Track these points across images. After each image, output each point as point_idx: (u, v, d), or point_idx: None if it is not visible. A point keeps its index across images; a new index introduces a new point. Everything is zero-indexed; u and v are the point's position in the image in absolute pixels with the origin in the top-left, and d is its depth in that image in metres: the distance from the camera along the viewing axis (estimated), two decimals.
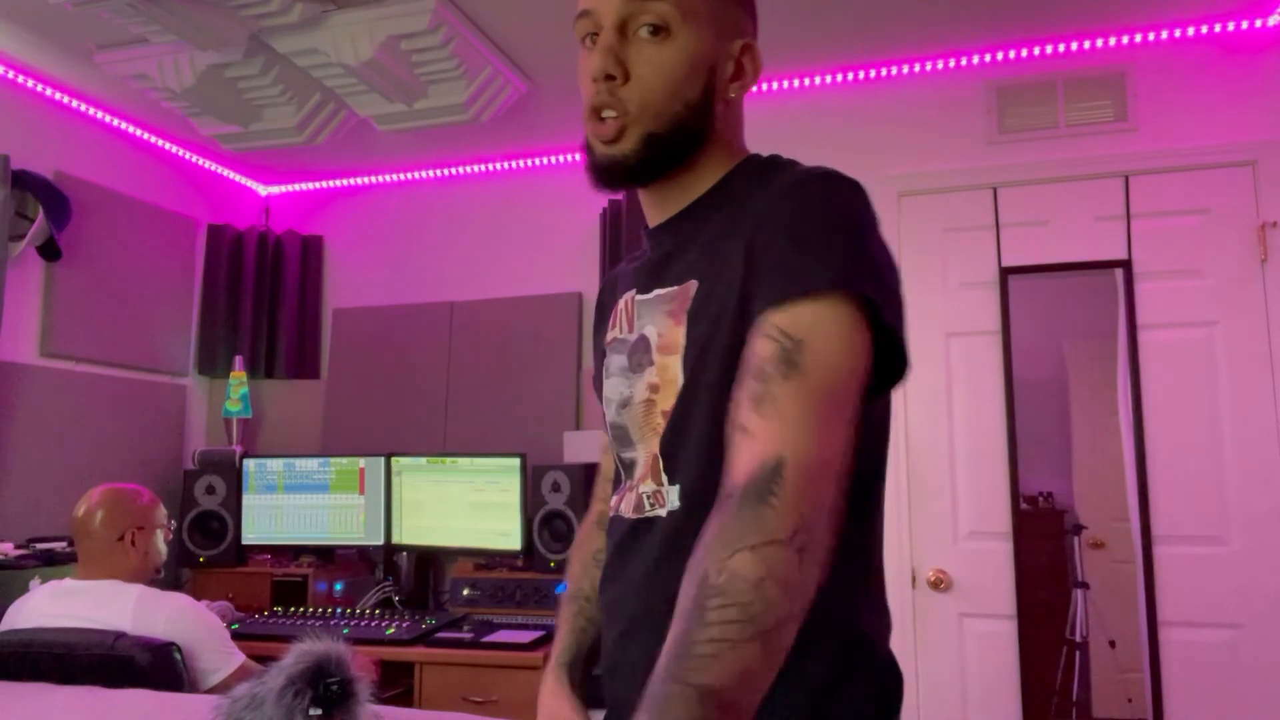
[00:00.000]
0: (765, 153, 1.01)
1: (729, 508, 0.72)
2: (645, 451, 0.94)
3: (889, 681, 0.90)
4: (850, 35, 2.72)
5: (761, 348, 0.78)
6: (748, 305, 0.83)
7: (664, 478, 0.90)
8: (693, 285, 0.91)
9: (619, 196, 3.37)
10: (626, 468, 0.98)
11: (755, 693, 0.65)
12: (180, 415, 3.54)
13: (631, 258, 1.10)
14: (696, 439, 0.87)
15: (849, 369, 0.77)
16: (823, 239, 0.81)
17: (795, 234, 0.82)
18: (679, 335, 0.90)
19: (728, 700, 0.63)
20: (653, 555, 0.90)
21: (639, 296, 0.98)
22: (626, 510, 0.96)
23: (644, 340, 0.95)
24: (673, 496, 0.89)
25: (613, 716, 0.99)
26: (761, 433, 0.74)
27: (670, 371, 0.91)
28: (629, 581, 0.93)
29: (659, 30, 0.91)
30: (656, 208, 1.00)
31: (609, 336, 1.03)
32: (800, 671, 0.79)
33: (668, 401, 0.91)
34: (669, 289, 0.94)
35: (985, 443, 2.74)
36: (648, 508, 0.92)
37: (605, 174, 0.96)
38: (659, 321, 0.94)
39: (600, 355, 1.09)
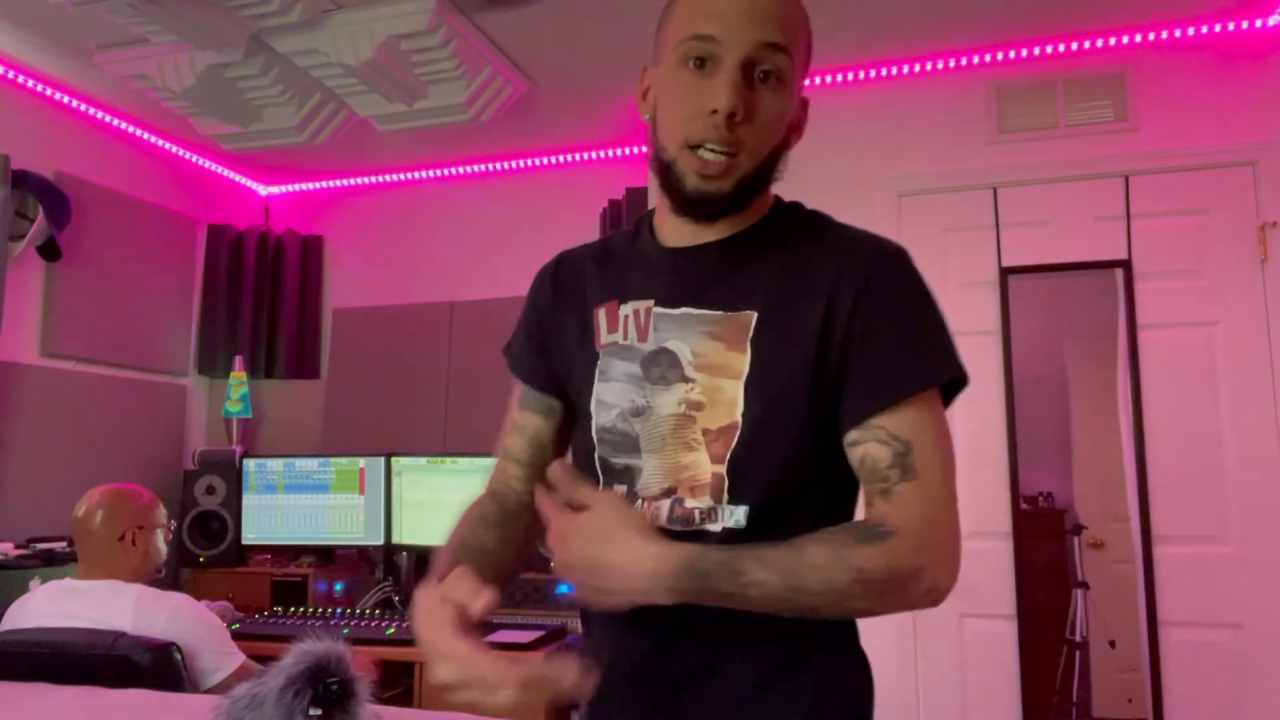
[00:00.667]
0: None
1: (859, 538, 0.88)
2: (665, 462, 0.96)
3: (869, 677, 1.02)
4: (850, 35, 2.72)
5: (875, 451, 0.91)
6: (829, 367, 0.93)
7: (725, 496, 0.94)
8: (750, 316, 0.95)
9: (619, 196, 3.37)
10: (617, 473, 1.00)
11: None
12: (180, 415, 3.54)
13: (593, 254, 1.10)
14: (770, 468, 0.93)
15: (950, 456, 0.92)
16: (920, 338, 0.94)
17: (902, 331, 0.93)
18: (738, 361, 0.94)
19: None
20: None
21: (659, 309, 0.99)
22: (651, 520, 0.94)
23: (669, 354, 0.97)
24: (737, 515, 0.93)
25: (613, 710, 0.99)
26: (896, 509, 0.89)
27: (725, 394, 0.94)
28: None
29: (770, 77, 0.94)
30: (688, 230, 1.01)
31: (604, 340, 1.02)
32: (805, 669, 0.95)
33: (716, 421, 0.94)
34: (711, 312, 0.97)
35: (985, 443, 2.74)
36: (697, 521, 0.94)
37: (699, 207, 0.97)
38: (694, 341, 0.96)
39: (546, 333, 1.10)
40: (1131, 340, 2.66)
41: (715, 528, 0.93)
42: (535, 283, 1.15)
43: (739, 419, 0.93)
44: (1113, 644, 2.77)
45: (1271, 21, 2.62)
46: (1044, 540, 2.85)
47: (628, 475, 0.99)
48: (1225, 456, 2.56)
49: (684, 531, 0.94)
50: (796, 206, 1.05)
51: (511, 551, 1.19)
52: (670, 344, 0.97)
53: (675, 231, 1.03)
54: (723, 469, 0.93)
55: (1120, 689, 2.73)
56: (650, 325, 0.99)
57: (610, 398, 1.00)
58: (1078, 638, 2.78)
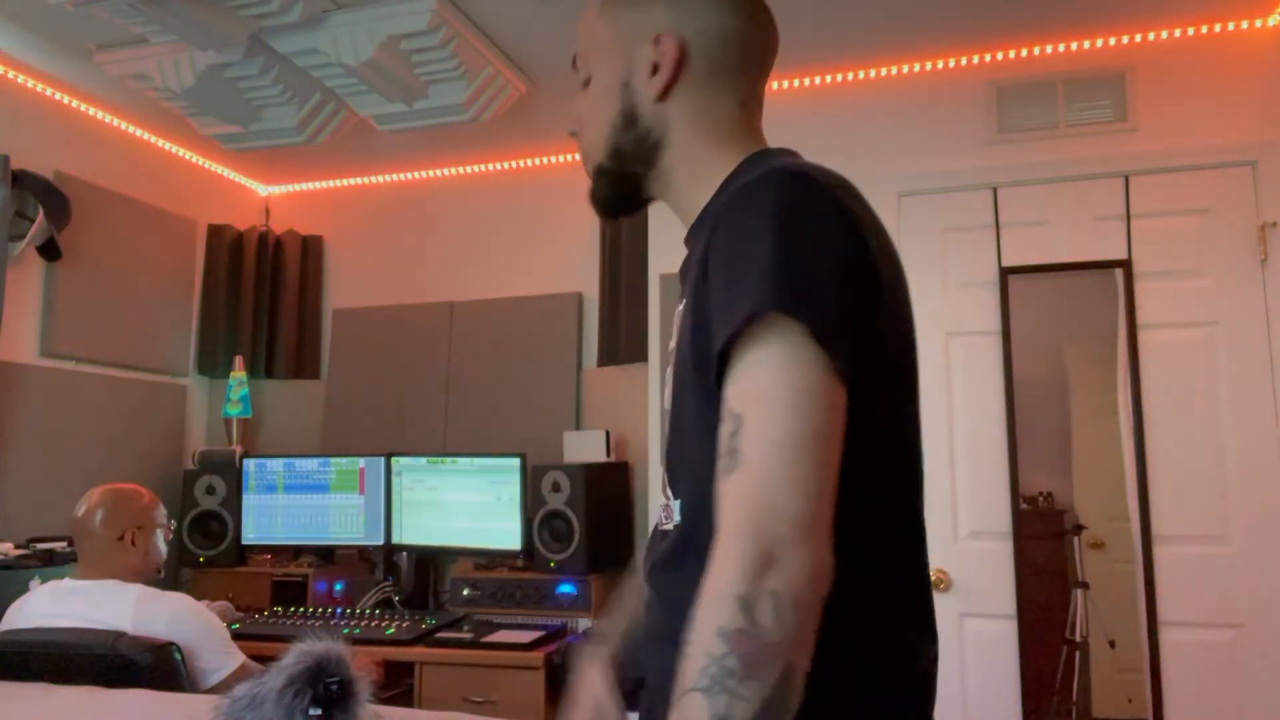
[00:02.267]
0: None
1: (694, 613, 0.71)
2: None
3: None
4: (850, 35, 2.72)
5: (721, 431, 0.75)
6: (706, 339, 0.80)
7: (669, 491, 0.89)
8: (684, 302, 0.90)
9: None
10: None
11: None
12: (180, 415, 3.55)
13: None
14: (687, 459, 0.85)
15: (788, 422, 0.72)
16: (738, 272, 0.76)
17: (724, 274, 0.78)
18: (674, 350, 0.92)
19: None
20: (657, 569, 0.89)
21: (679, 305, 0.95)
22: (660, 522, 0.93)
23: (672, 351, 0.94)
24: (676, 511, 0.87)
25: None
26: (718, 542, 0.72)
27: (671, 387, 0.91)
28: (649, 593, 0.93)
29: (584, 82, 1.00)
30: (683, 225, 0.99)
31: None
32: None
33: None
34: (682, 302, 0.92)
35: (985, 443, 2.74)
36: (663, 522, 0.90)
37: (599, 211, 1.05)
38: (676, 335, 0.93)
39: None
40: (1131, 340, 2.66)
41: (670, 526, 0.88)
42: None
43: (670, 414, 0.89)
44: (1113, 644, 2.77)
45: (1271, 21, 2.62)
46: (1044, 540, 2.85)
47: None
48: (1225, 456, 2.56)
49: (658, 531, 0.92)
50: (750, 159, 0.93)
51: None
52: (673, 341, 0.94)
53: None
54: (664, 462, 0.91)
55: (1120, 689, 2.73)
56: (678, 323, 0.95)
57: (665, 402, 0.96)
58: (1078, 638, 2.78)
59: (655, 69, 0.94)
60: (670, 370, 0.92)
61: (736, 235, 0.78)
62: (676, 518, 0.87)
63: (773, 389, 0.73)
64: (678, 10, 0.95)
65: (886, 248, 0.86)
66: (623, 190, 0.99)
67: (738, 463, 0.72)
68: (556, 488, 2.92)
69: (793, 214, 0.77)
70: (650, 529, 0.98)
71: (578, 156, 1.04)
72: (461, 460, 3.13)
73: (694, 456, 0.82)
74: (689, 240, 0.96)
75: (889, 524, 0.87)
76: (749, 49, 0.96)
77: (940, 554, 2.72)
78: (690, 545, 0.81)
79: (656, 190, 0.99)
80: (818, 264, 0.76)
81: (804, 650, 0.68)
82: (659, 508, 0.93)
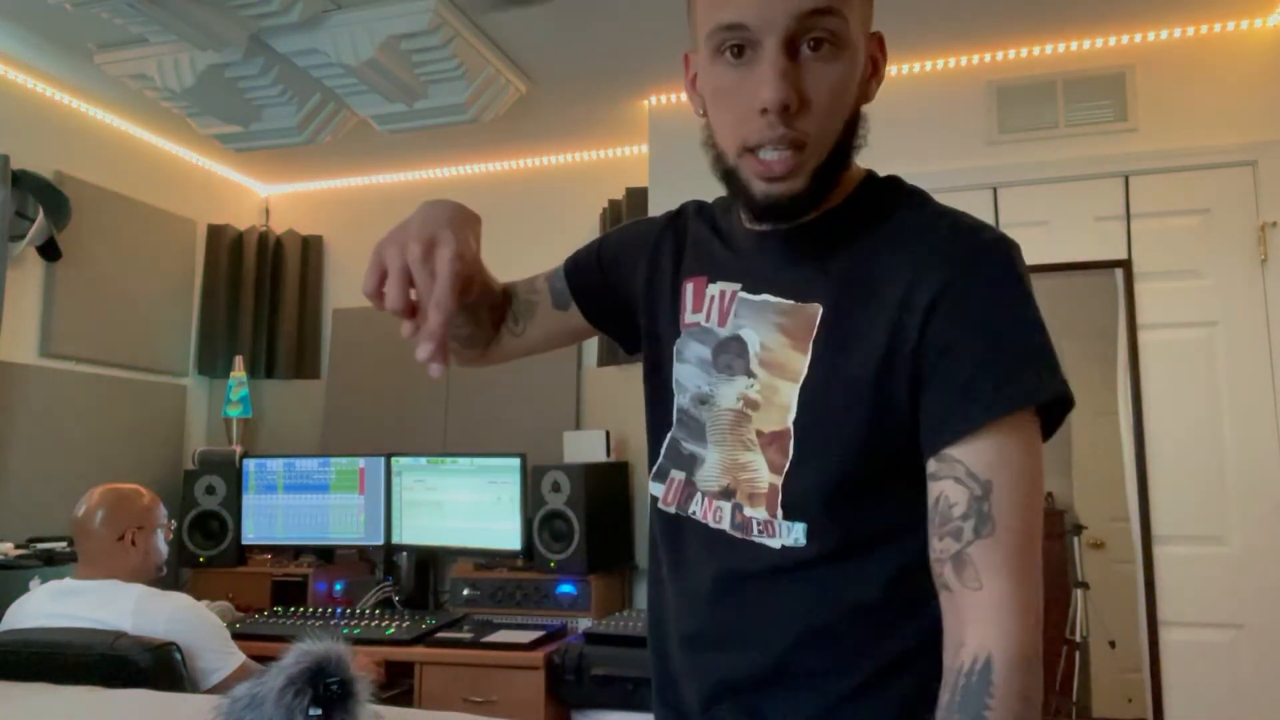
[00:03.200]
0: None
1: (954, 691, 0.76)
2: (723, 456, 0.91)
3: None
4: None
5: (951, 491, 0.79)
6: (896, 383, 0.82)
7: (780, 511, 0.86)
8: (816, 310, 0.86)
9: (619, 196, 3.37)
10: (684, 460, 0.95)
11: None
12: (180, 415, 3.54)
13: (709, 219, 1.02)
14: (827, 486, 0.85)
15: (1037, 492, 0.79)
16: (1009, 352, 0.79)
17: (986, 343, 0.79)
18: (797, 361, 0.86)
19: None
20: (760, 581, 0.88)
21: (743, 294, 0.91)
22: (714, 520, 0.91)
23: (739, 343, 0.90)
24: (796, 533, 0.86)
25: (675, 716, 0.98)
26: (969, 608, 0.77)
27: (781, 397, 0.86)
28: (702, 589, 0.92)
29: (822, 44, 0.81)
30: None
31: (688, 319, 0.96)
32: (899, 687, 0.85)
33: (771, 424, 0.87)
34: (785, 301, 0.88)
35: None
36: (757, 533, 0.88)
37: (773, 213, 0.86)
38: (765, 332, 0.89)
39: (627, 271, 1.06)
40: (1131, 340, 2.66)
41: (774, 543, 0.87)
42: (652, 220, 1.08)
43: (790, 426, 0.85)
44: (1113, 644, 2.77)
45: (1271, 21, 2.62)
46: (1044, 540, 2.85)
47: (690, 463, 0.94)
48: (1225, 456, 2.56)
49: (743, 540, 0.89)
50: (891, 184, 0.93)
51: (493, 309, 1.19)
52: (744, 331, 0.90)
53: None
54: (779, 480, 0.86)
55: (1120, 689, 2.74)
56: (732, 310, 0.92)
57: (685, 380, 0.95)
58: (1078, 638, 2.78)
59: (874, 69, 0.90)
60: (747, 365, 0.89)
61: (998, 309, 0.80)
62: (794, 540, 0.86)
63: (1024, 462, 0.78)
64: (871, 13, 0.91)
65: None
66: (823, 191, 0.86)
67: (993, 528, 0.77)
68: (556, 488, 2.92)
69: (1034, 296, 0.83)
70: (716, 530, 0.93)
71: (775, 133, 0.80)
72: (461, 460, 3.13)
73: (834, 489, 0.84)
74: (797, 237, 0.89)
75: None
76: None
77: None
78: (808, 568, 0.85)
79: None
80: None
81: None
82: (736, 516, 0.90)
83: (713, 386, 0.92)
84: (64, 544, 2.73)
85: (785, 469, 0.86)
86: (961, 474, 0.78)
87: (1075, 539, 2.84)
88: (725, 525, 0.90)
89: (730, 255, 0.96)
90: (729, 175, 0.86)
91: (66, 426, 3.05)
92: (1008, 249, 0.83)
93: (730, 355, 0.91)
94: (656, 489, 0.98)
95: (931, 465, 0.80)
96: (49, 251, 2.93)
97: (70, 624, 2.05)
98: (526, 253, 3.66)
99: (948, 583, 0.78)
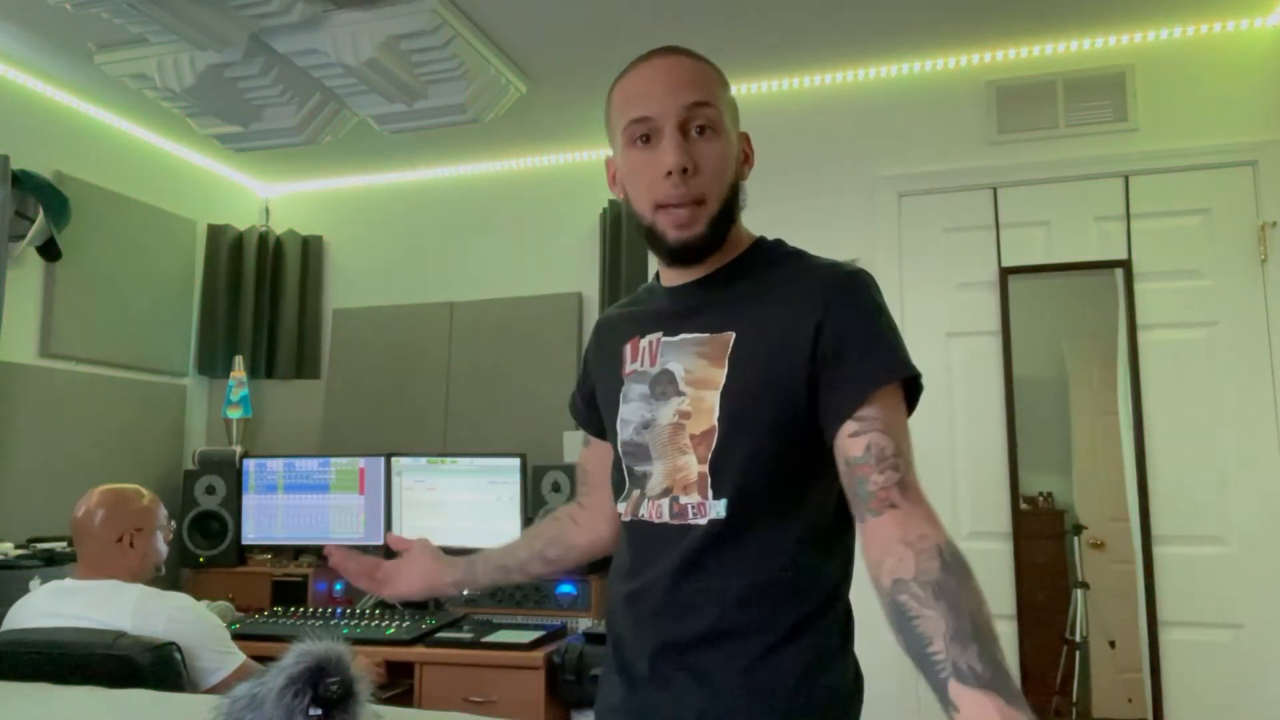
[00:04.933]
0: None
1: (942, 559, 0.93)
2: (668, 466, 1.11)
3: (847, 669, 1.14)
4: (850, 35, 2.72)
5: (878, 439, 1.01)
6: (820, 375, 1.05)
7: (710, 492, 1.08)
8: (730, 336, 1.10)
9: (620, 197, 3.37)
10: (638, 479, 1.15)
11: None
12: (180, 415, 3.54)
13: (623, 307, 1.30)
14: (742, 464, 1.06)
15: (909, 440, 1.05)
16: (885, 342, 1.06)
17: (868, 336, 1.05)
18: (718, 375, 1.08)
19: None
20: (692, 554, 1.08)
21: (665, 339, 1.16)
22: (656, 516, 1.12)
23: (668, 374, 1.13)
24: (718, 508, 1.07)
25: (628, 688, 1.15)
26: (917, 518, 0.98)
27: (706, 403, 1.08)
28: (661, 573, 1.11)
29: (706, 130, 1.10)
30: (678, 272, 1.18)
31: (628, 369, 1.19)
32: (813, 642, 1.07)
33: (700, 427, 1.08)
34: (701, 335, 1.12)
35: (985, 443, 2.74)
36: (690, 516, 1.09)
37: (682, 255, 1.13)
38: (687, 361, 1.12)
39: (591, 383, 1.31)
40: (1131, 340, 2.66)
41: (702, 520, 1.08)
42: (587, 345, 1.36)
43: (715, 423, 1.07)
44: (1113, 644, 2.77)
45: (1271, 21, 2.62)
46: (1044, 540, 2.85)
47: (644, 480, 1.14)
48: (1225, 456, 2.56)
49: (679, 525, 1.10)
50: (775, 244, 1.19)
51: (546, 546, 1.44)
52: (670, 365, 1.13)
53: (673, 275, 1.19)
54: (706, 468, 1.08)
55: (1120, 689, 2.73)
56: (659, 352, 1.15)
57: (629, 415, 1.17)
58: (1078, 638, 2.78)
59: (746, 158, 1.17)
60: (674, 388, 1.12)
61: (875, 311, 1.07)
62: (717, 513, 1.07)
63: (903, 421, 1.04)
64: (736, 115, 1.19)
65: None
66: (718, 242, 1.13)
67: (906, 469, 1.01)
68: (557, 488, 2.92)
69: (886, 308, 1.11)
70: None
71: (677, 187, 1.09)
72: (461, 460, 3.13)
73: (749, 465, 1.06)
74: (703, 287, 1.16)
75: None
76: None
77: None
78: (732, 535, 1.07)
79: (720, 243, 1.16)
80: None
81: None
82: (666, 503, 1.11)
83: (653, 412, 1.13)
84: (64, 544, 2.73)
85: (709, 458, 1.08)
86: (881, 427, 1.01)
87: (1075, 539, 2.84)
88: (666, 518, 1.11)
89: (652, 314, 1.21)
90: (649, 232, 1.12)
91: (66, 426, 3.05)
92: (866, 278, 1.11)
93: (663, 384, 1.13)
94: (620, 506, 1.19)
95: (851, 426, 1.02)
96: (49, 251, 2.93)
97: (70, 624, 2.05)
98: (527, 253, 3.68)
99: (895, 502, 0.99)
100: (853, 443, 1.02)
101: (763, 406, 1.06)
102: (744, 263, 1.16)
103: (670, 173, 1.07)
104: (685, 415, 1.10)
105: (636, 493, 1.15)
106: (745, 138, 1.18)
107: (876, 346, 1.05)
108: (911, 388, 1.07)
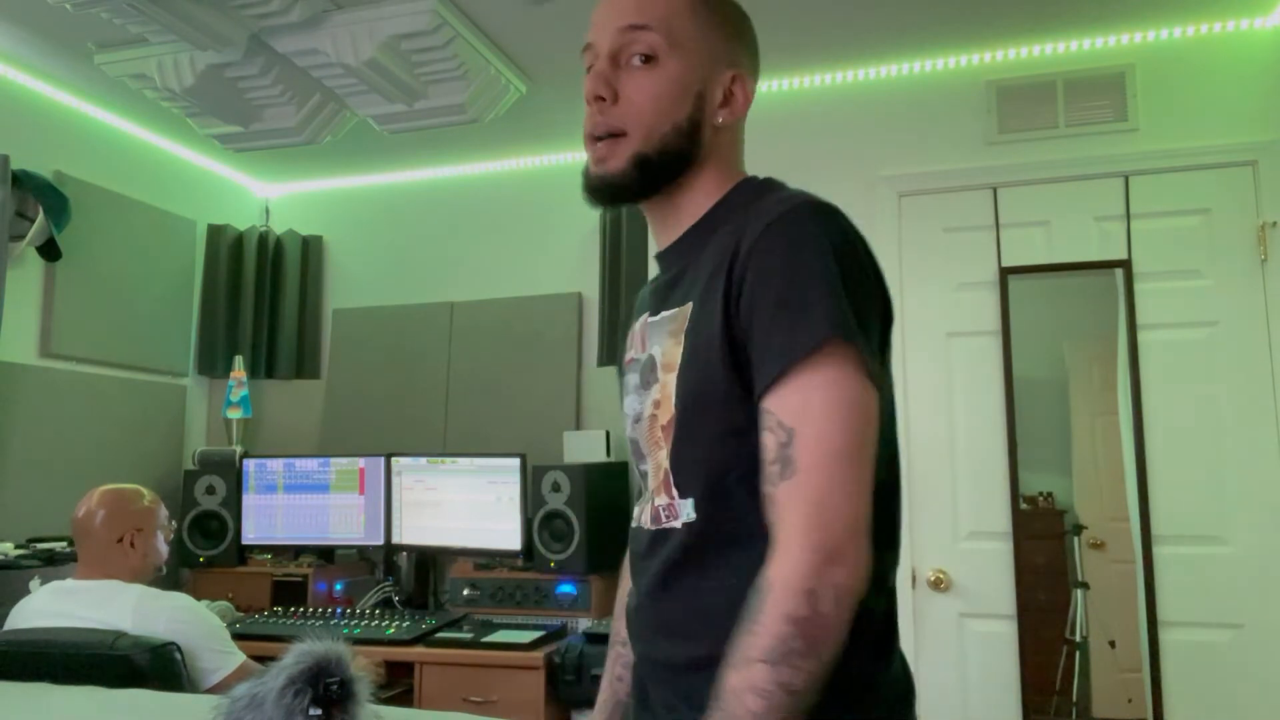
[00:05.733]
0: (762, 167, 1.06)
1: (747, 615, 0.82)
2: (653, 463, 0.99)
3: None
4: (850, 35, 2.72)
5: (766, 440, 0.86)
6: (738, 348, 0.89)
7: (675, 491, 0.95)
8: (689, 308, 0.96)
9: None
10: (643, 478, 1.04)
11: None
12: (180, 415, 3.54)
13: (653, 280, 1.14)
14: (700, 456, 0.93)
15: (847, 432, 0.83)
16: (791, 303, 0.86)
17: (774, 299, 0.86)
18: (677, 355, 0.95)
19: None
20: (668, 565, 0.96)
21: (650, 319, 1.04)
22: (645, 522, 1.01)
23: (651, 359, 1.00)
24: (687, 509, 0.94)
25: (640, 708, 1.04)
26: (772, 542, 0.83)
27: (668, 388, 0.95)
28: (648, 586, 0.99)
29: (648, 59, 0.98)
30: (659, 231, 1.06)
31: (628, 357, 1.08)
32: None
33: (665, 416, 0.96)
34: (672, 310, 0.99)
35: (985, 443, 2.74)
36: (664, 519, 0.97)
37: (595, 193, 1.01)
38: (663, 341, 0.98)
39: (621, 376, 1.16)
40: (1131, 340, 2.66)
41: (677, 524, 0.95)
42: None
43: (674, 410, 0.95)
44: (1113, 644, 2.77)
45: (1271, 21, 2.62)
46: (1044, 540, 2.85)
47: (645, 480, 1.03)
48: (1225, 456, 2.56)
49: (659, 530, 0.97)
50: (751, 183, 1.03)
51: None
52: (654, 349, 1.00)
53: (656, 238, 1.07)
54: (668, 463, 0.96)
55: (1120, 689, 2.73)
56: (647, 335, 1.03)
57: (627, 409, 1.06)
58: (1078, 638, 2.78)
59: (726, 100, 1.02)
60: (651, 378, 0.99)
61: (788, 265, 0.87)
62: (688, 515, 0.93)
63: (826, 406, 0.83)
64: (748, 58, 1.06)
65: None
66: (647, 183, 1.00)
67: (794, 470, 0.83)
68: (556, 488, 2.92)
69: (841, 247, 0.88)
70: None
71: (590, 126, 1.01)
72: (461, 460, 3.13)
73: (711, 457, 0.92)
74: (680, 250, 1.03)
75: (891, 516, 0.95)
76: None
77: (940, 554, 2.73)
78: (709, 542, 0.92)
79: (665, 191, 1.02)
80: (864, 293, 0.88)
81: (846, 629, 0.81)
82: (650, 507, 1.00)
83: (642, 403, 1.02)
84: (64, 544, 2.73)
85: (670, 449, 0.95)
86: (773, 424, 0.85)
87: (1075, 539, 2.84)
88: (649, 523, 0.99)
89: (648, 291, 1.10)
90: (585, 168, 1.03)
91: (66, 426, 3.05)
92: (806, 212, 0.90)
93: (647, 372, 1.01)
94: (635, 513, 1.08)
95: (761, 418, 0.87)
96: (49, 251, 2.93)
97: (70, 624, 2.05)
98: (526, 253, 3.68)
99: (768, 521, 0.85)
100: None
101: (714, 391, 0.91)
102: (719, 213, 1.00)
103: (588, 101, 1.00)
104: (657, 405, 0.97)
105: (644, 495, 1.04)
106: (734, 77, 1.02)
107: (777, 318, 0.86)
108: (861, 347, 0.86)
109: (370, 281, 3.81)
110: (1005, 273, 2.77)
